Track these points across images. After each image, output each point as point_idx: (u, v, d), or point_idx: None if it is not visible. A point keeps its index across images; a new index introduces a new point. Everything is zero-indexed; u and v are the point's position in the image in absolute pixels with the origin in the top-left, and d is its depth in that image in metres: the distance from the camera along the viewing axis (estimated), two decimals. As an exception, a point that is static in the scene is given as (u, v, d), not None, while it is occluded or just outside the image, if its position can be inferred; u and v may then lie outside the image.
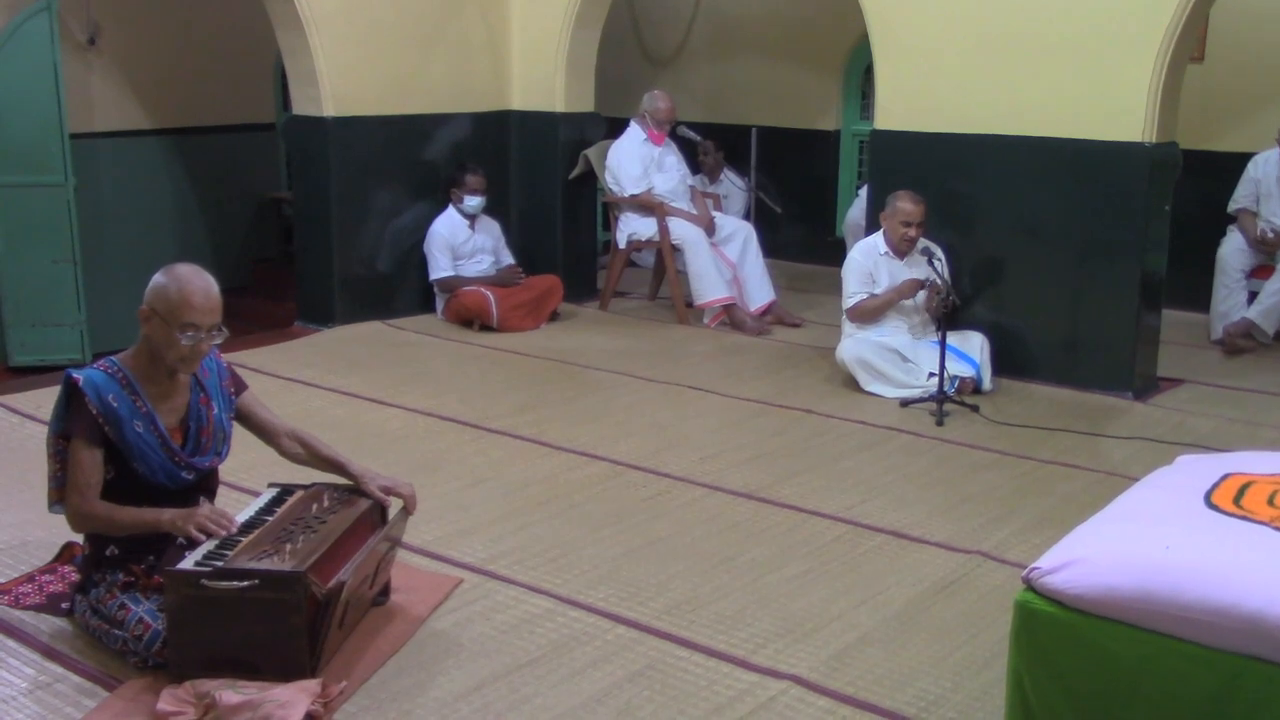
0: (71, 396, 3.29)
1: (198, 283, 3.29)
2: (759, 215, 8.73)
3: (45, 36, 6.89)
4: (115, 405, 3.27)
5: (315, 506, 3.48)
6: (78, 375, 3.30)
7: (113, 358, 3.39)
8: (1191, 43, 6.06)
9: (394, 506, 3.63)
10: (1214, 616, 2.48)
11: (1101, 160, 5.95)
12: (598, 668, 3.36)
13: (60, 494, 3.38)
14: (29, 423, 5.39)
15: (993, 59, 6.20)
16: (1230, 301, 7.27)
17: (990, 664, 3.38)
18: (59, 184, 7.06)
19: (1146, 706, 2.59)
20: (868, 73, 8.64)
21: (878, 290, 6.14)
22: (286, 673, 3.07)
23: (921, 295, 6.09)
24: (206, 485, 3.54)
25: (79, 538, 3.53)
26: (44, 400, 5.45)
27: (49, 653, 3.37)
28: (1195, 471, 3.13)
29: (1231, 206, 7.38)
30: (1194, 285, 7.43)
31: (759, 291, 7.65)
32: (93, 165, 7.89)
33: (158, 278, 3.32)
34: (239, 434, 3.65)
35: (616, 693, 3.23)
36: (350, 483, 3.63)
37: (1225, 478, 3.00)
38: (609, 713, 3.14)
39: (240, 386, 3.65)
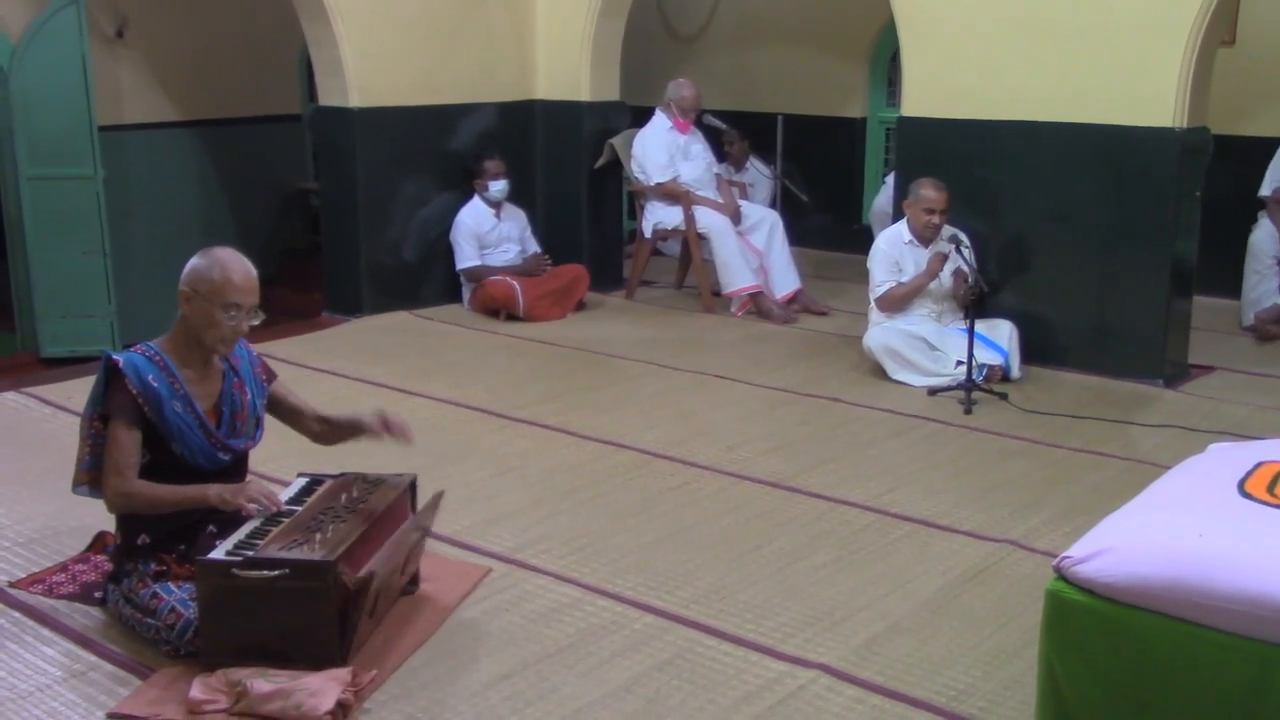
0: (111, 377, 3.33)
1: (238, 264, 3.38)
2: (785, 203, 8.71)
3: (74, 29, 6.94)
4: (155, 385, 3.31)
5: (344, 496, 3.50)
6: (118, 357, 3.34)
7: (149, 343, 3.43)
8: (1222, 26, 6.01)
9: (414, 495, 3.65)
10: (1247, 606, 2.45)
11: (1131, 146, 5.90)
12: (626, 656, 3.37)
13: (87, 476, 3.43)
14: (60, 413, 5.43)
15: (1021, 44, 6.15)
16: (1262, 288, 7.20)
17: (1020, 653, 3.37)
18: (88, 176, 7.11)
19: (1179, 696, 2.57)
20: (894, 59, 8.60)
21: (904, 279, 6.12)
22: (317, 661, 3.09)
23: (949, 281, 6.06)
24: (238, 470, 3.58)
25: (111, 527, 3.56)
26: (75, 391, 5.50)
27: (83, 641, 3.40)
28: (1228, 459, 3.10)
29: (1263, 192, 7.31)
30: (1225, 271, 7.35)
31: (785, 280, 7.63)
32: (121, 157, 7.94)
33: (197, 260, 3.38)
34: (269, 423, 3.67)
35: (645, 681, 3.24)
36: (377, 475, 3.67)
37: (1259, 466, 2.97)
38: (637, 701, 3.15)
39: (271, 375, 3.69)
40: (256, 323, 3.43)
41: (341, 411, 3.82)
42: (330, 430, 3.73)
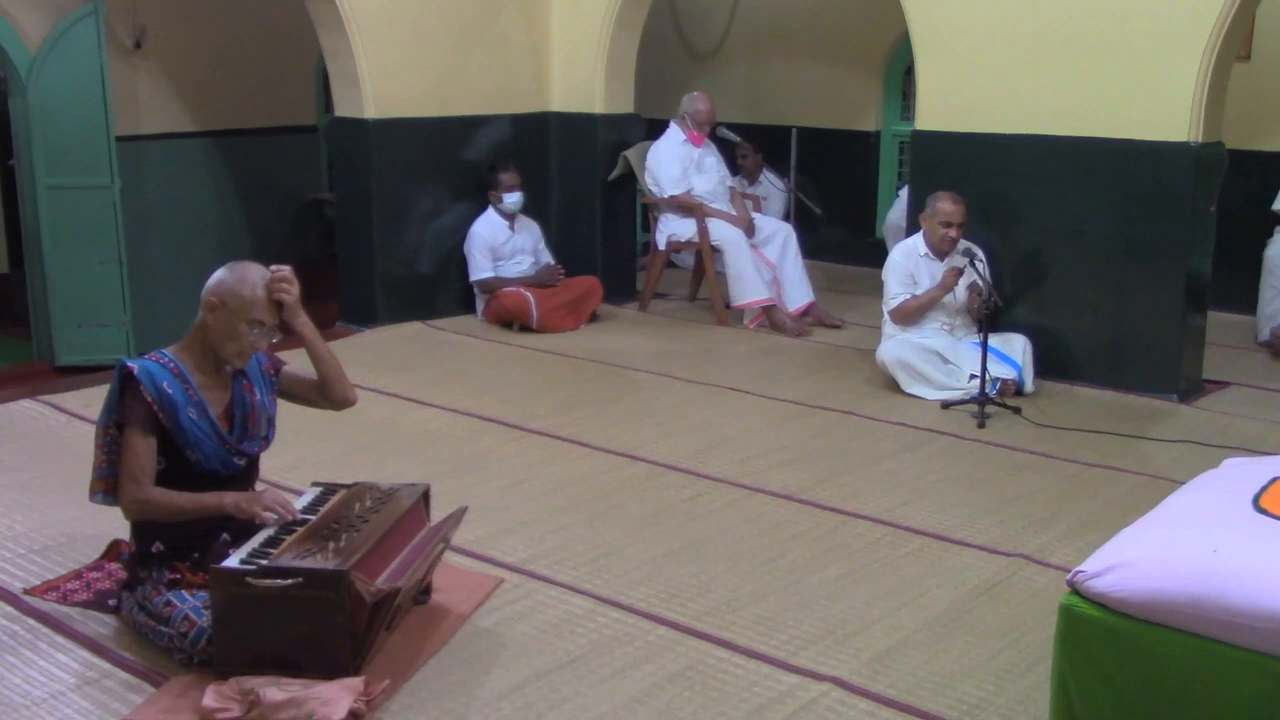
0: (126, 385, 3.34)
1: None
2: (799, 216, 8.72)
3: (92, 40, 6.99)
4: (170, 392, 3.33)
5: (358, 506, 3.51)
6: (133, 364, 3.35)
7: (162, 350, 3.45)
8: (1238, 41, 6.00)
9: (427, 505, 3.66)
10: (1262, 621, 2.45)
11: (1146, 160, 5.89)
12: (638, 668, 3.36)
13: (104, 484, 3.44)
14: (76, 422, 5.45)
15: (1035, 58, 6.15)
16: (1277, 303, 7.18)
17: (1033, 668, 3.36)
18: (105, 185, 7.15)
19: (1193, 711, 2.56)
20: (908, 73, 8.62)
21: (918, 292, 6.11)
22: (330, 670, 3.09)
23: (963, 294, 6.06)
24: (250, 474, 3.60)
25: (126, 535, 3.58)
26: (90, 399, 5.53)
27: (97, 649, 3.41)
28: (1243, 475, 3.09)
29: (1277, 206, 7.29)
30: (1240, 287, 7.34)
31: (798, 293, 7.63)
32: (138, 167, 7.99)
33: (226, 273, 3.42)
34: (281, 434, 3.68)
35: (657, 693, 3.24)
36: (390, 485, 3.69)
37: (1274, 481, 2.96)
38: (649, 713, 3.14)
39: (278, 365, 3.69)
40: (275, 340, 3.46)
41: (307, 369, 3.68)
42: (321, 380, 3.62)
